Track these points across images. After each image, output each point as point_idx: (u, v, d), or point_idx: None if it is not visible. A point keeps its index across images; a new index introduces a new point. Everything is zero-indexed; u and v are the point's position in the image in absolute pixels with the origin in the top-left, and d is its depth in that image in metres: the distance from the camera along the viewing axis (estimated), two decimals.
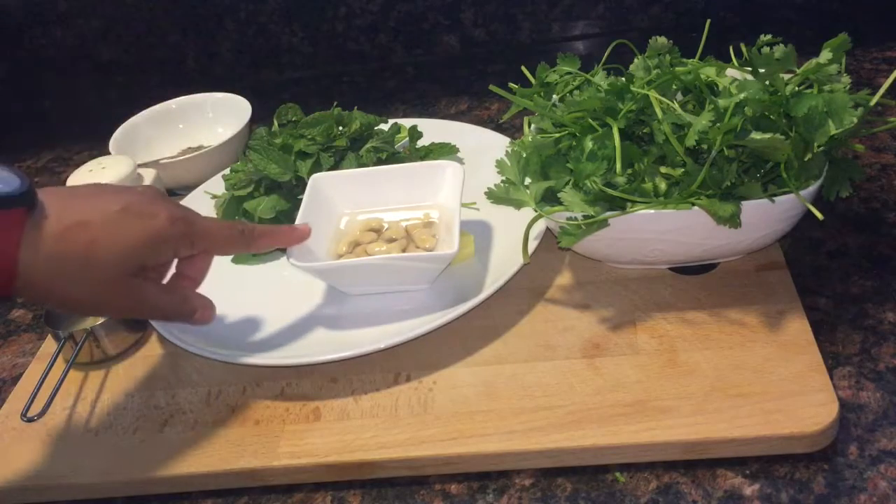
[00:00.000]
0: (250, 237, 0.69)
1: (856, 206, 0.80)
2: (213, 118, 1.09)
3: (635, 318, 0.70)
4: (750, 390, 0.61)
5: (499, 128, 0.98)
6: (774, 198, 0.64)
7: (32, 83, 1.35)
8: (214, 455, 0.66)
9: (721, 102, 0.64)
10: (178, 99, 1.10)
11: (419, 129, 0.93)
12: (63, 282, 0.59)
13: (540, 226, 0.75)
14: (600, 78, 0.75)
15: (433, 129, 0.94)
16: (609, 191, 0.65)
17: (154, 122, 1.08)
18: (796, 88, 0.67)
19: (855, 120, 0.63)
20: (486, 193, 0.72)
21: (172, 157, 1.00)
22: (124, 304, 0.63)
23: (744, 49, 0.71)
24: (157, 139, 1.07)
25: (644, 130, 0.70)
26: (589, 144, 0.67)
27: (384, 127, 0.92)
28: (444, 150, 0.92)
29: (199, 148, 1.05)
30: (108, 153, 1.00)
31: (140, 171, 0.92)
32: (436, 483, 0.63)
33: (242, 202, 0.87)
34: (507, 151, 0.72)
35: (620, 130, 0.67)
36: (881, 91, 0.66)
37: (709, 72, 0.69)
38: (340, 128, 0.89)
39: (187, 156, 0.99)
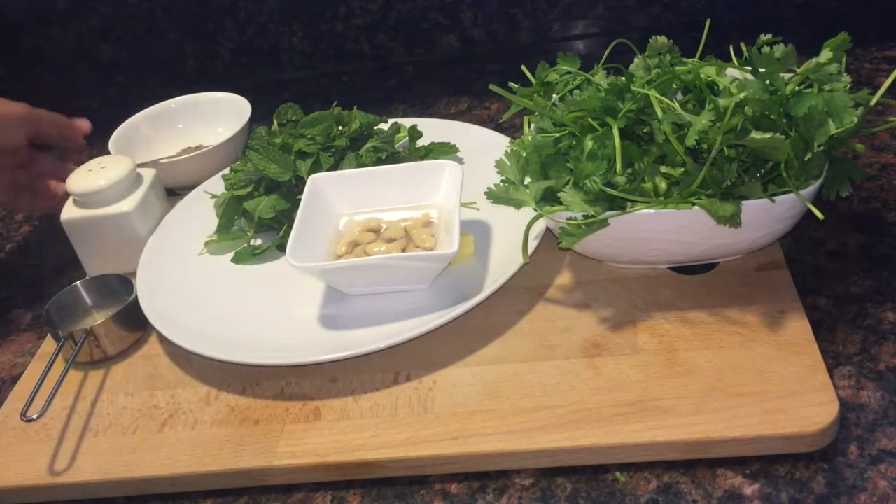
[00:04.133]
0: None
1: (856, 206, 0.80)
2: (212, 118, 1.09)
3: (635, 317, 0.70)
4: (750, 390, 0.61)
5: (499, 127, 0.97)
6: (774, 197, 0.64)
7: (32, 83, 1.35)
8: (214, 455, 0.66)
9: (721, 102, 0.64)
10: (177, 99, 1.10)
11: (419, 128, 0.93)
12: None
13: (540, 226, 0.75)
14: (600, 77, 0.75)
15: (433, 129, 0.94)
16: (609, 190, 0.65)
17: (154, 122, 1.08)
18: (796, 88, 0.67)
19: (855, 119, 0.63)
20: (485, 193, 0.72)
21: (172, 157, 1.00)
22: None
23: (744, 49, 0.71)
24: (156, 139, 1.07)
25: (644, 130, 0.70)
26: (589, 144, 0.67)
27: (384, 127, 0.92)
28: (443, 150, 0.91)
29: (199, 147, 1.05)
30: (108, 153, 1.00)
31: (140, 170, 0.92)
32: (436, 483, 0.63)
33: (242, 202, 0.87)
34: (506, 151, 0.72)
35: (620, 130, 0.67)
36: (881, 91, 0.66)
37: (709, 71, 0.69)
38: (340, 127, 0.89)
39: (186, 156, 0.99)
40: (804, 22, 1.14)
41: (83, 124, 0.95)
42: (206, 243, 0.87)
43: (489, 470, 0.63)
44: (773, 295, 0.69)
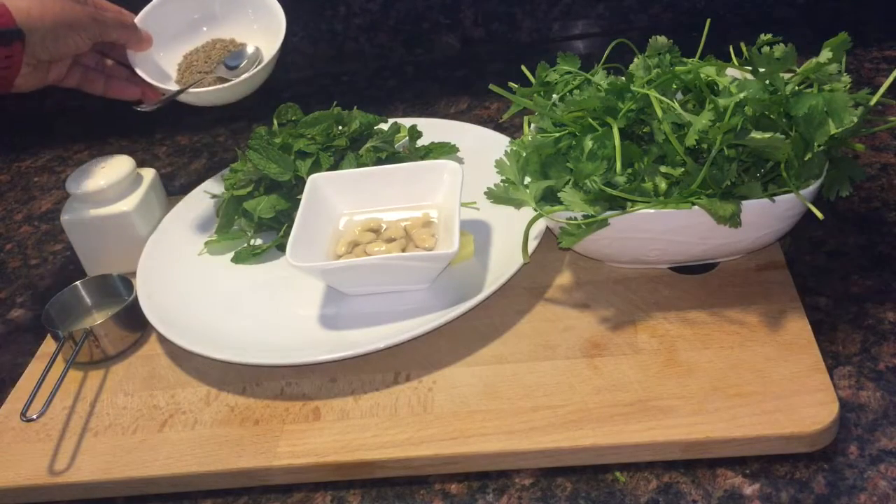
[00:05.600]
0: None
1: (856, 206, 0.80)
2: (234, 6, 0.99)
3: (635, 317, 0.70)
4: (750, 390, 0.61)
5: (499, 127, 0.97)
6: (774, 197, 0.64)
7: None
8: (214, 455, 0.66)
9: (721, 102, 0.64)
10: None
11: (419, 128, 0.93)
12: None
13: (540, 225, 0.75)
14: (600, 77, 0.75)
15: (433, 129, 0.94)
16: (609, 190, 0.65)
17: (178, 12, 0.97)
18: (796, 88, 0.67)
19: (855, 119, 0.63)
20: (485, 193, 0.72)
21: (234, 77, 0.92)
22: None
23: (744, 48, 0.71)
24: (182, 31, 0.97)
25: (644, 130, 0.70)
26: (589, 144, 0.67)
27: (384, 126, 0.92)
28: (443, 150, 0.91)
29: (232, 42, 0.97)
30: (108, 153, 0.99)
31: (140, 170, 0.92)
32: (436, 483, 0.63)
33: (242, 202, 0.87)
34: (506, 151, 0.72)
35: (620, 130, 0.67)
36: (881, 90, 0.66)
37: (709, 71, 0.69)
38: (340, 127, 0.89)
39: (244, 76, 0.91)
40: (804, 22, 1.15)
41: (147, 36, 0.91)
42: (206, 243, 0.87)
43: (489, 470, 0.63)
44: (773, 295, 0.69)
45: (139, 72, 0.90)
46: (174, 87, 0.91)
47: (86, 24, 0.82)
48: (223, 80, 0.92)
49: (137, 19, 0.93)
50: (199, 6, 0.98)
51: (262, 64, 0.91)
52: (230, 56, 0.95)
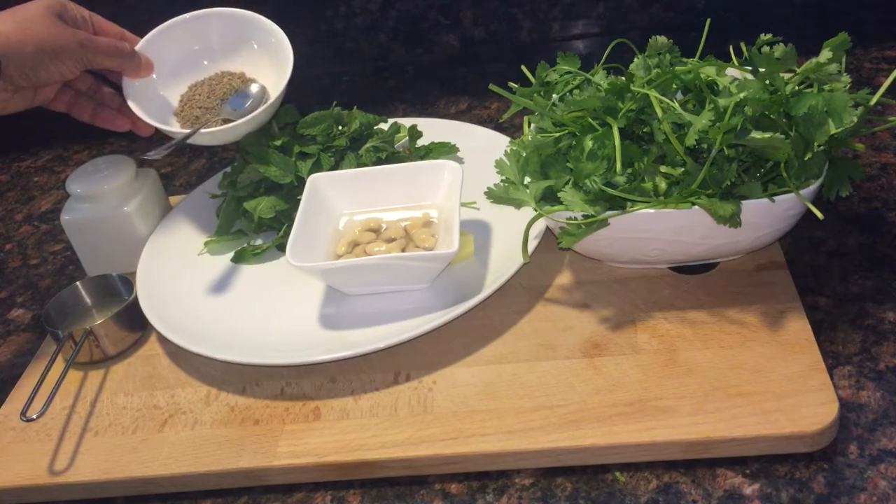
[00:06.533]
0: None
1: (856, 206, 0.80)
2: (237, 35, 0.93)
3: (635, 317, 0.70)
4: (750, 390, 0.61)
5: (499, 127, 0.97)
6: (774, 197, 0.64)
7: None
8: (214, 455, 0.66)
9: (721, 102, 0.64)
10: (206, 10, 0.92)
11: (419, 128, 0.93)
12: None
13: (540, 225, 0.75)
14: (600, 77, 0.75)
15: (433, 129, 0.94)
16: (609, 190, 0.65)
17: (179, 43, 0.91)
18: (796, 88, 0.67)
19: (855, 119, 0.63)
20: (485, 193, 0.72)
21: (211, 127, 0.87)
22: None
23: (744, 48, 0.71)
24: (184, 63, 0.91)
25: (644, 130, 0.70)
26: (589, 144, 0.67)
27: (384, 126, 0.92)
28: (443, 150, 0.92)
29: (242, 75, 0.91)
30: (107, 153, 0.99)
31: (140, 171, 0.92)
32: (436, 483, 0.63)
33: (242, 202, 0.86)
34: (506, 151, 0.72)
35: (620, 130, 0.67)
36: (881, 90, 0.66)
37: (709, 71, 0.69)
38: (340, 127, 0.89)
39: (225, 126, 0.86)
40: (804, 22, 1.15)
41: (147, 63, 0.86)
42: (206, 243, 0.87)
43: (489, 470, 0.63)
44: (773, 295, 0.69)
45: (130, 103, 0.85)
46: (173, 122, 0.87)
47: (72, 51, 0.78)
48: (227, 120, 0.86)
49: (139, 46, 0.88)
50: (201, 37, 0.93)
51: (266, 105, 0.86)
52: (234, 97, 0.89)
